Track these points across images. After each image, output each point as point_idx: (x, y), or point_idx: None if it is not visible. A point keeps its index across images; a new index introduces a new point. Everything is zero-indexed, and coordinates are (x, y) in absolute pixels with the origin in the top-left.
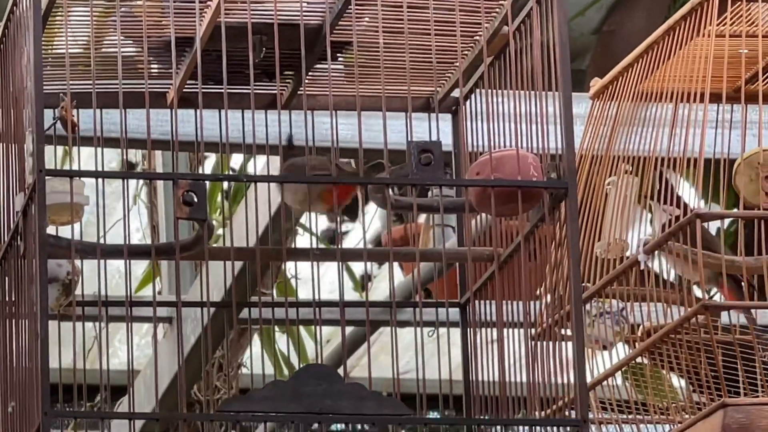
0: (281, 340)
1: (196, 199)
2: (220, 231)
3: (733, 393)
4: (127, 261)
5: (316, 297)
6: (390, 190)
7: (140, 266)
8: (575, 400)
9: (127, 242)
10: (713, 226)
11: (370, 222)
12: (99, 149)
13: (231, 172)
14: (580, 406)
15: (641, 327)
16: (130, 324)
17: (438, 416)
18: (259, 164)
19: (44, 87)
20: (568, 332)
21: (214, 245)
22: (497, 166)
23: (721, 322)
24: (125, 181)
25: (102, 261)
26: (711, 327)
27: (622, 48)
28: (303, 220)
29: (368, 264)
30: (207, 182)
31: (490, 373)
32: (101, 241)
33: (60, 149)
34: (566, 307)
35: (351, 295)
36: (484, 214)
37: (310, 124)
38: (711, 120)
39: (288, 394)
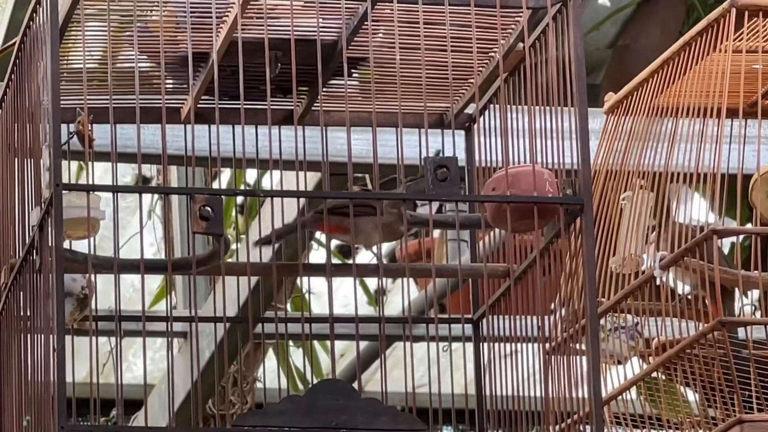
0: (295, 355)
1: (212, 214)
2: (233, 246)
3: (747, 409)
4: (143, 276)
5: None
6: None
7: (155, 281)
8: (590, 415)
9: (143, 257)
10: (726, 242)
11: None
12: (114, 164)
13: (246, 187)
14: (595, 422)
15: (655, 341)
16: (144, 339)
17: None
18: (274, 179)
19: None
20: (583, 347)
21: (229, 260)
22: (513, 182)
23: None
24: (141, 195)
25: (117, 276)
26: (727, 342)
27: (636, 62)
28: (318, 235)
29: (383, 278)
30: (223, 197)
31: (504, 388)
32: (116, 255)
33: (74, 164)
34: (581, 322)
35: (365, 309)
36: (497, 229)
37: (325, 139)
38: (727, 135)
39: (304, 409)
